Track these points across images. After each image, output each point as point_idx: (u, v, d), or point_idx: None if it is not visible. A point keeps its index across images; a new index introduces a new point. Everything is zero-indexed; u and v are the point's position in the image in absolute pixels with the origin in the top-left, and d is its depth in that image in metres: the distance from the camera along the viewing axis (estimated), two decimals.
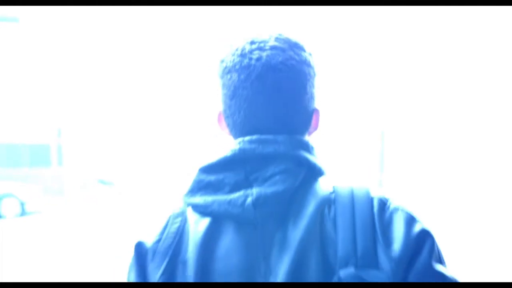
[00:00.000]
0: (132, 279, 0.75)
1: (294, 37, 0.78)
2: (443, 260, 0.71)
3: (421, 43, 11.71)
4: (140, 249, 0.76)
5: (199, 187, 0.74)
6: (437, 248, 0.70)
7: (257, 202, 0.70)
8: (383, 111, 12.99)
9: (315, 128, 0.82)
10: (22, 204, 11.30)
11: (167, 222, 0.76)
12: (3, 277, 5.69)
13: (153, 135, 17.64)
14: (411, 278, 0.67)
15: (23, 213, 11.33)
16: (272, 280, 0.69)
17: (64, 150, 16.52)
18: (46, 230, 9.06)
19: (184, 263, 0.72)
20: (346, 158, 14.15)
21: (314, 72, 0.79)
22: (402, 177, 12.59)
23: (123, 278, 5.48)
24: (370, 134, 13.43)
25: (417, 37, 11.78)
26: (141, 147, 17.57)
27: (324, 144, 14.81)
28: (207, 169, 0.74)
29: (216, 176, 0.73)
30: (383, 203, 0.72)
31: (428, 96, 11.77)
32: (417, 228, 0.70)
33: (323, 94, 14.60)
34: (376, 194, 0.74)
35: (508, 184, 9.57)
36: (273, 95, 0.73)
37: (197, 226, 0.73)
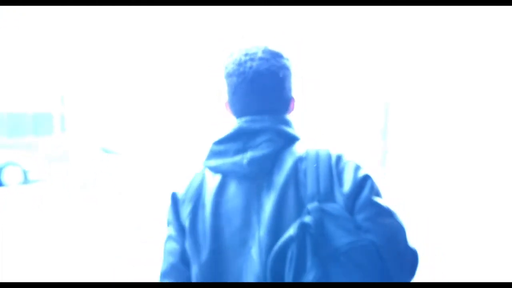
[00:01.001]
0: (171, 218, 1.12)
1: (276, 48, 1.10)
2: (380, 195, 1.00)
3: (430, 14, 11.42)
4: (175, 197, 1.12)
5: (212, 154, 1.07)
6: (376, 186, 1.00)
7: (250, 162, 1.01)
8: (387, 82, 12.80)
9: (292, 110, 1.15)
10: (24, 172, 11.37)
11: (192, 179, 1.12)
12: (5, 245, 5.75)
13: (157, 102, 17.55)
14: (357, 207, 0.96)
15: (25, 181, 11.40)
16: (262, 213, 1.01)
17: (67, 118, 16.48)
18: (49, 198, 9.11)
19: (204, 205, 1.07)
20: (350, 128, 14.04)
21: (290, 72, 1.11)
22: (405, 148, 12.50)
23: (130, 251, 5.52)
24: (374, 105, 13.28)
25: (425, 9, 11.47)
26: (145, 114, 17.51)
27: (328, 115, 14.69)
28: (218, 142, 1.07)
29: (224, 146, 1.06)
30: (338, 158, 1.03)
31: (434, 67, 11.57)
32: (361, 173, 1.00)
33: (328, 65, 14.39)
34: (334, 152, 1.04)
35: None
36: (261, 92, 1.07)
37: (212, 180, 1.08)
